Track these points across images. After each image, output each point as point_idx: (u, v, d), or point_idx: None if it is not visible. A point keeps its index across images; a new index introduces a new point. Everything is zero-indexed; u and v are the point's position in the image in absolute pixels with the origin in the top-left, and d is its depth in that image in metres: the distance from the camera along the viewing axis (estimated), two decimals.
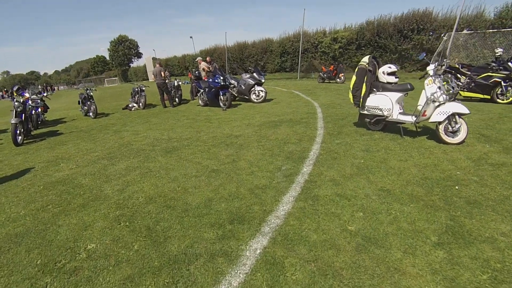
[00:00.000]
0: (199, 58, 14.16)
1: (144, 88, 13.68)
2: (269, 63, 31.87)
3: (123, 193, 4.23)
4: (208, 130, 7.73)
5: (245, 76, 12.84)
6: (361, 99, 6.17)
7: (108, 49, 68.68)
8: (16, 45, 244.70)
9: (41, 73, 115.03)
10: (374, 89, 6.10)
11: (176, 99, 14.06)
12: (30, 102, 11.19)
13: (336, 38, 25.11)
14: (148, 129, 8.66)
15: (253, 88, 12.41)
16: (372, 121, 6.29)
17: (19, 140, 8.37)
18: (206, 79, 13.50)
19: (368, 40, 23.16)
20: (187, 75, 31.87)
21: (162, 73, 12.77)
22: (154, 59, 50.41)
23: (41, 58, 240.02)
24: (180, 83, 14.94)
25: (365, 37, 23.27)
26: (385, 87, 5.96)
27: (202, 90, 12.59)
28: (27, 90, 12.12)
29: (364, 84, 6.06)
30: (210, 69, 13.67)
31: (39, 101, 11.61)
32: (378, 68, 6.11)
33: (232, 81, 13.10)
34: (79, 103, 13.40)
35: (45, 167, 5.83)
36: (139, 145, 6.76)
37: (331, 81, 20.20)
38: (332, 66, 20.52)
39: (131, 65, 67.63)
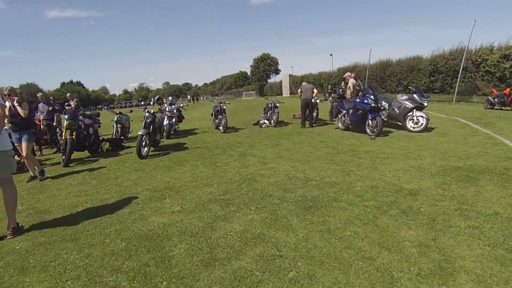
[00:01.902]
0: (348, 74, 11.87)
1: (278, 104, 12.19)
2: (414, 83, 27.14)
3: None
4: (360, 171, 5.30)
5: (401, 97, 9.85)
6: None
7: (251, 65, 74.10)
8: (176, 60, 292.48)
9: (193, 85, 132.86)
10: None
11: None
12: (167, 110, 11.01)
13: (509, 55, 19.14)
14: (278, 157, 6.80)
15: (411, 113, 9.35)
16: None
17: (143, 152, 7.73)
18: (350, 99, 11.10)
19: None
20: (322, 93, 29.99)
21: (315, 89, 11.01)
22: (290, 75, 50.67)
23: (195, 72, 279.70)
24: (318, 100, 12.95)
25: None
26: None
27: (344, 111, 10.24)
28: (168, 100, 12.14)
29: None
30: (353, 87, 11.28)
31: (174, 111, 11.34)
32: None
33: (384, 103, 10.31)
34: (211, 115, 12.84)
35: (147, 201, 4.49)
36: (265, 184, 4.86)
37: (503, 108, 14.84)
38: (508, 89, 15.03)
39: (268, 80, 70.67)
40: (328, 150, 7.23)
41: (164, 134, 9.61)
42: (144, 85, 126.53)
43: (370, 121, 8.90)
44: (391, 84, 28.11)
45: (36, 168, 6.48)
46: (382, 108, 10.05)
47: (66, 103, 12.29)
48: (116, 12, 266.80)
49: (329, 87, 29.98)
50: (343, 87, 11.57)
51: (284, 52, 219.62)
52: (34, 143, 9.86)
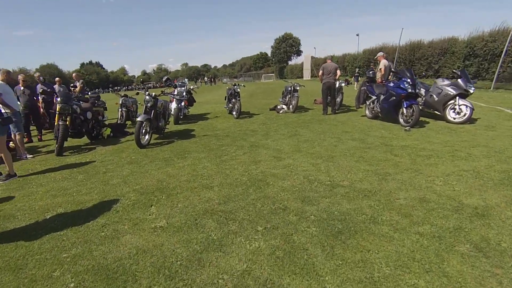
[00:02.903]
0: (380, 54, 10.44)
1: (298, 88, 10.97)
2: (446, 67, 25.01)
3: None
4: (399, 175, 4.15)
5: (442, 82, 8.44)
6: None
7: (272, 46, 72.06)
8: (195, 41, 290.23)
9: (212, 66, 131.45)
10: None
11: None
12: (175, 94, 10.07)
13: None
14: (295, 150, 5.72)
15: (453, 101, 7.99)
16: None
17: (143, 141, 6.83)
18: (381, 83, 9.77)
19: None
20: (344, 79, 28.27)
21: (338, 71, 9.71)
22: (312, 57, 48.63)
23: (214, 53, 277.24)
24: (342, 84, 11.66)
25: None
26: None
27: (374, 97, 8.95)
28: (177, 82, 11.15)
29: None
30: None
31: (184, 94, 10.35)
32: None
33: (421, 89, 8.95)
34: (225, 99, 11.78)
35: (129, 208, 3.55)
36: (278, 189, 3.82)
37: None
38: None
39: (289, 62, 68.67)
40: (356, 144, 6.07)
41: (170, 119, 8.66)
42: (163, 66, 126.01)
43: (404, 109, 7.63)
44: (420, 68, 26.08)
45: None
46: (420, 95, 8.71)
47: (72, 85, 11.54)
48: None
49: (356, 69, 28.11)
50: (374, 68, 10.20)
51: (307, 33, 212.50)
52: (36, 127, 9.30)
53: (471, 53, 23.07)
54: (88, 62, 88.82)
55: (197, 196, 3.76)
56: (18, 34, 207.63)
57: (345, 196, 3.50)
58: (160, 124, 7.60)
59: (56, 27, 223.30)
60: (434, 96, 8.39)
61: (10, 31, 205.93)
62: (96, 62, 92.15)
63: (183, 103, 10.23)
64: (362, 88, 9.60)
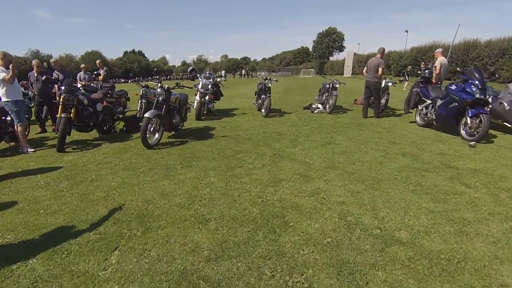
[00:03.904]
0: (438, 50, 8.72)
1: (337, 85, 9.51)
2: (504, 70, 22.13)
3: None
4: (484, 224, 2.73)
5: None
6: None
7: (314, 40, 69.86)
8: (237, 34, 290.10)
9: (252, 59, 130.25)
10: None
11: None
12: (199, 87, 9.06)
13: None
14: (329, 166, 4.43)
15: None
16: None
17: (152, 140, 5.88)
18: (436, 83, 8.10)
19: None
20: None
21: (380, 68, 8.20)
22: (355, 54, 46.04)
23: (255, 46, 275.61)
24: (389, 84, 10.03)
25: None
26: None
27: (429, 101, 7.35)
28: (201, 75, 10.10)
29: None
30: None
31: (209, 87, 9.29)
32: None
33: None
34: (255, 94, 10.59)
35: (87, 251, 2.48)
36: (300, 239, 2.52)
37: None
38: None
39: (330, 58, 66.09)
40: (408, 162, 4.65)
41: (186, 117, 7.56)
42: (203, 57, 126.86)
43: (469, 119, 6.05)
44: (463, 68, 23.30)
45: None
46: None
47: (95, 72, 10.92)
48: None
49: (408, 67, 25.56)
50: (430, 67, 8.53)
51: (352, 28, 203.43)
52: (51, 118, 8.68)
53: None
54: (131, 50, 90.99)
55: (182, 237, 2.61)
56: (68, 21, 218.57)
57: (407, 267, 2.16)
58: (174, 120, 6.58)
59: (106, 16, 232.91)
60: (505, 104, 6.67)
61: (60, 17, 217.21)
62: (138, 50, 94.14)
63: (207, 97, 9.17)
64: (414, 89, 8.00)
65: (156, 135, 6.06)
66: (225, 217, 2.91)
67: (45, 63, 8.53)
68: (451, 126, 6.60)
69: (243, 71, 63.38)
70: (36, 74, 7.67)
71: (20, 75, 7.00)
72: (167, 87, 6.21)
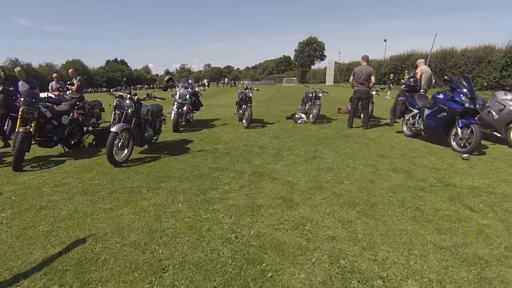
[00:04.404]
0: (420, 60, 8.41)
1: (320, 95, 9.04)
2: (480, 77, 22.50)
3: None
4: (504, 265, 2.26)
5: (504, 96, 6.41)
6: None
7: (295, 49, 70.37)
8: (220, 42, 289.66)
9: (235, 68, 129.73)
10: None
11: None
12: (177, 97, 8.45)
13: None
14: (315, 186, 3.86)
15: None
16: None
17: (120, 158, 5.23)
18: (422, 93, 7.76)
19: None
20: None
21: (372, 77, 7.79)
22: (336, 62, 46.23)
23: (238, 55, 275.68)
24: (373, 92, 9.64)
25: None
26: None
27: (416, 111, 6.96)
28: (180, 83, 9.47)
29: None
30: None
31: (187, 97, 8.66)
32: None
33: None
34: (236, 104, 10.01)
35: None
36: None
37: None
38: None
39: (312, 67, 66.51)
40: (401, 179, 4.14)
41: (160, 130, 6.89)
42: (186, 66, 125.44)
43: (460, 130, 5.64)
44: (452, 77, 23.55)
45: None
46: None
47: (69, 82, 10.14)
48: None
49: (391, 75, 25.40)
50: (415, 76, 8.16)
51: (332, 38, 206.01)
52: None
53: (510, 63, 20.69)
54: (113, 59, 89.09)
55: None
56: (49, 30, 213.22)
57: None
58: (146, 134, 5.91)
59: (87, 25, 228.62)
60: (494, 113, 6.33)
61: (41, 26, 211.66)
62: (121, 59, 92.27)
63: (185, 108, 8.53)
64: (400, 98, 7.60)
65: (125, 151, 5.39)
66: (187, 264, 2.27)
67: (1, 73, 7.68)
68: (440, 136, 6.19)
69: (226, 79, 62.78)
70: None
71: None
72: (137, 98, 5.56)
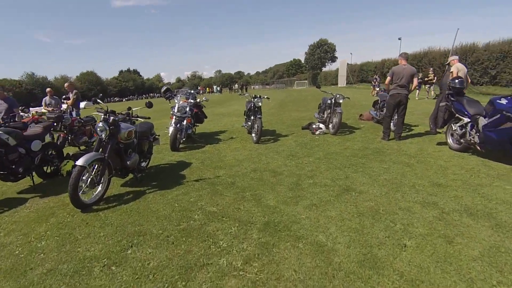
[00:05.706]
0: (454, 57, 6.79)
1: (341, 101, 7.46)
2: (506, 73, 20.43)
3: None
4: None
5: None
6: None
7: (306, 52, 68.81)
8: (231, 48, 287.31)
9: (245, 73, 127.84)
10: None
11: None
12: (176, 110, 7.12)
13: None
14: (364, 259, 2.37)
15: None
16: None
17: (90, 199, 3.92)
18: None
19: None
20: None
21: (415, 79, 6.21)
22: (348, 64, 44.19)
23: (248, 60, 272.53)
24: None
25: None
26: None
27: (467, 119, 5.34)
28: (179, 94, 8.11)
29: None
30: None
31: (187, 109, 7.27)
32: None
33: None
34: (244, 114, 8.53)
35: None
36: None
37: None
38: None
39: (323, 69, 64.62)
40: (490, 234, 2.60)
41: (151, 153, 5.47)
42: (197, 73, 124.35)
43: None
44: (474, 74, 21.54)
45: None
46: None
47: (64, 96, 9.02)
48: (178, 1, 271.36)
49: (420, 75, 22.95)
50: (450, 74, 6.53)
51: (343, 39, 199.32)
52: None
53: None
54: (126, 69, 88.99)
55: None
56: (71, 43, 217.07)
57: None
58: (129, 162, 4.49)
59: (103, 35, 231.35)
60: None
61: (62, 40, 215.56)
62: (133, 69, 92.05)
63: (185, 122, 7.11)
64: (442, 104, 6.01)
65: (99, 188, 4.01)
66: None
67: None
68: (507, 152, 4.59)
69: (236, 85, 60.64)
70: None
71: (16, 98, 5.12)
72: (113, 119, 4.17)
